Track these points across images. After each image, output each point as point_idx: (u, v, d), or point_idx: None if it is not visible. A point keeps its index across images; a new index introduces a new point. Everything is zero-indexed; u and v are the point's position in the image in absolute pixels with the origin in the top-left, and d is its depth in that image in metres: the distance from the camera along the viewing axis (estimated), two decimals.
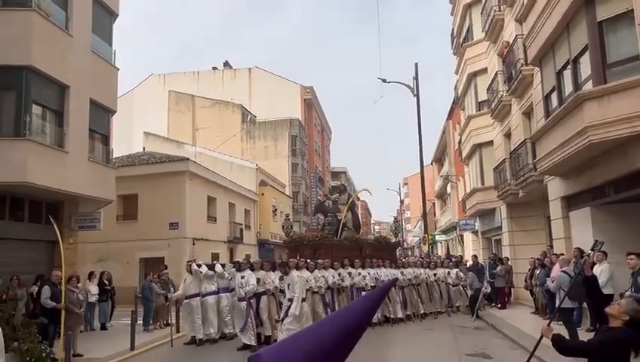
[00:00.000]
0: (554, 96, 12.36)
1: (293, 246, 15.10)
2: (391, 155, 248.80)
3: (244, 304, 11.48)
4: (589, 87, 9.98)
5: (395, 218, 26.73)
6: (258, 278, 11.64)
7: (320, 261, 13.47)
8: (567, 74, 11.31)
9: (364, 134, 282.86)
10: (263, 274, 11.89)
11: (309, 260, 13.29)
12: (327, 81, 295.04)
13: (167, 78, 51.60)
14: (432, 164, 47.33)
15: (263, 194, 36.71)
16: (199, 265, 12.72)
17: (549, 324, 4.10)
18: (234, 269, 12.36)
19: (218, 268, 12.48)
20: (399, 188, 69.54)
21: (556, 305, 8.62)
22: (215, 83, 51.71)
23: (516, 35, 15.91)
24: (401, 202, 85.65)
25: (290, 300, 10.98)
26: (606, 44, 9.70)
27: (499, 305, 16.73)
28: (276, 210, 38.80)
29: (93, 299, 14.65)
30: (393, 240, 20.34)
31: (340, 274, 13.42)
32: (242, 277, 11.59)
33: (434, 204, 47.68)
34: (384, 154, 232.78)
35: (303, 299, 11.13)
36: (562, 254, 13.17)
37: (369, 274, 14.12)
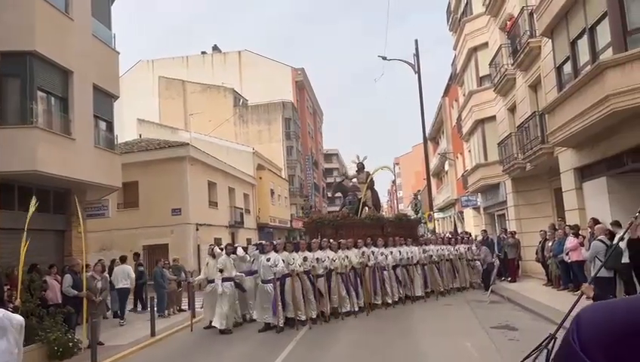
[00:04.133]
0: (567, 67, 12.30)
1: (314, 226, 14.91)
2: (381, 136, 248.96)
3: (269, 286, 11.36)
4: (607, 55, 9.92)
5: (415, 195, 26.74)
6: (283, 259, 11.50)
7: (343, 241, 13.30)
8: (582, 43, 11.23)
9: (354, 116, 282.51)
10: (287, 255, 11.76)
11: (331, 240, 13.16)
12: (317, 65, 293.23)
13: (156, 63, 50.86)
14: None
15: (260, 178, 36.52)
16: (236, 248, 12.56)
17: (589, 283, 4.05)
18: (257, 251, 12.22)
19: (240, 251, 12.30)
20: (392, 168, 69.50)
21: (592, 274, 8.61)
22: (205, 67, 51.09)
23: (522, 7, 15.78)
24: (393, 182, 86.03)
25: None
26: (626, 11, 9.62)
27: (509, 279, 16.84)
28: (274, 193, 38.67)
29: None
30: (413, 216, 20.21)
31: (363, 254, 13.27)
32: (267, 260, 11.43)
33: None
34: (374, 135, 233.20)
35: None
36: (576, 225, 13.29)
37: (391, 252, 13.97)
